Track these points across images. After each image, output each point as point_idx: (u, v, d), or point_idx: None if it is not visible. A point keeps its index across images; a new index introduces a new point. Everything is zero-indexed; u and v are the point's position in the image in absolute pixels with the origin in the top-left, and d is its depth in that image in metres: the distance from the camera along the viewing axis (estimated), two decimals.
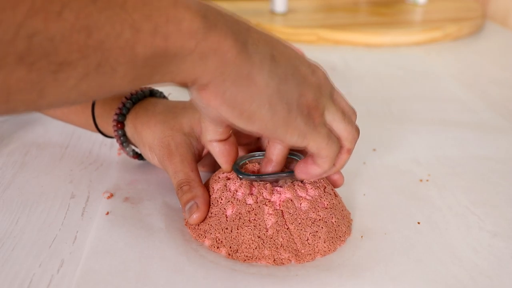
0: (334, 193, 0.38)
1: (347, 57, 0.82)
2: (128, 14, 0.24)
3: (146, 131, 0.41)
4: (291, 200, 0.36)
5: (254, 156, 0.39)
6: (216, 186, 0.37)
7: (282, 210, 0.35)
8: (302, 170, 0.35)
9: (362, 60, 0.81)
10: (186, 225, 0.38)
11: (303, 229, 0.35)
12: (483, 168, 0.48)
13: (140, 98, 0.43)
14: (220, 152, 0.36)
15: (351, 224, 0.39)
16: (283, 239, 0.34)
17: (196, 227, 0.37)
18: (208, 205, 0.37)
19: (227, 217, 0.35)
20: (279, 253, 0.34)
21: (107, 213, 0.39)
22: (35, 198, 0.41)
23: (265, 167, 0.37)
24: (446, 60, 0.82)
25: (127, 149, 0.44)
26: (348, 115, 0.35)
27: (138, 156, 0.45)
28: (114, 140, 0.51)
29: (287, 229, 0.35)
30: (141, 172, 0.45)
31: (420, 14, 1.04)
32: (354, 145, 0.35)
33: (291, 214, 0.35)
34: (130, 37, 0.24)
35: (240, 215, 0.35)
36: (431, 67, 0.78)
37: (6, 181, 0.44)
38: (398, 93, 0.67)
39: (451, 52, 0.87)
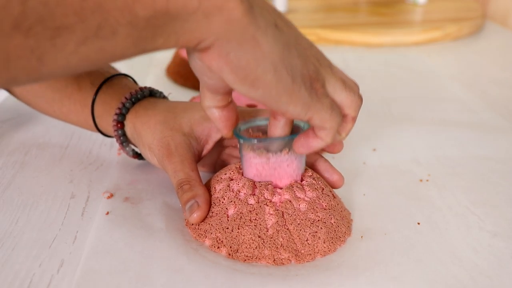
0: (332, 194, 0.38)
1: (347, 57, 0.82)
2: None
3: (145, 131, 0.41)
4: (290, 201, 0.36)
5: (255, 122, 0.38)
6: (219, 187, 0.37)
7: (282, 211, 0.35)
8: (303, 144, 0.34)
9: (362, 60, 0.81)
10: (186, 225, 0.38)
11: (303, 230, 0.35)
12: (483, 168, 0.48)
13: (140, 98, 0.43)
14: (219, 117, 0.35)
15: (351, 224, 0.39)
16: (283, 239, 0.34)
17: (197, 227, 0.37)
18: (209, 204, 0.37)
19: (228, 217, 0.35)
20: (279, 253, 0.34)
21: (107, 213, 0.39)
22: (35, 198, 0.41)
23: None
24: (446, 60, 0.82)
25: (127, 148, 0.44)
26: (349, 84, 0.34)
27: (138, 156, 0.45)
28: (114, 140, 0.51)
29: (287, 229, 0.35)
30: (141, 172, 0.45)
31: (420, 14, 1.04)
32: (358, 112, 0.34)
33: (290, 215, 0.35)
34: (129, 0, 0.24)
35: (241, 214, 0.35)
36: (431, 67, 0.78)
37: (6, 181, 0.44)
38: (398, 93, 0.67)
39: (451, 52, 0.87)
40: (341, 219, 0.37)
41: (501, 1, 1.07)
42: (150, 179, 0.44)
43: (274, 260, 0.34)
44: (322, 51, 0.33)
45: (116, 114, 0.42)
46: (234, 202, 0.36)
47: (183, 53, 0.68)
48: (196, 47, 0.28)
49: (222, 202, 0.36)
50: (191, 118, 0.40)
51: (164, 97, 0.45)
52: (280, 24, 0.30)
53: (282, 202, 0.36)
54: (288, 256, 0.34)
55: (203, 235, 0.36)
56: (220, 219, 0.36)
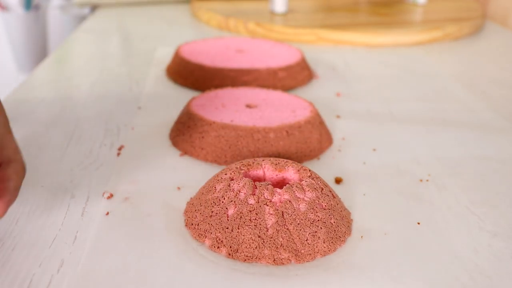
0: (332, 194, 0.38)
1: (347, 57, 0.82)
2: None
3: None
4: (290, 201, 0.36)
5: None
6: (219, 186, 0.37)
7: (282, 211, 0.35)
8: None
9: (362, 60, 0.81)
10: (186, 225, 0.38)
11: (302, 230, 0.35)
12: (483, 168, 0.48)
13: None
14: None
15: (351, 224, 0.39)
16: (283, 239, 0.34)
17: (196, 226, 0.37)
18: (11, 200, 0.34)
19: (228, 217, 0.36)
20: (279, 253, 0.34)
21: (107, 214, 0.39)
22: (35, 198, 0.41)
23: None
24: (446, 60, 0.82)
25: None
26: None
27: None
28: (114, 140, 0.51)
29: (287, 229, 0.35)
30: (141, 172, 0.45)
31: (420, 14, 1.04)
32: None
33: (290, 215, 0.35)
34: None
35: (241, 214, 0.35)
36: (431, 67, 0.78)
37: None
38: (398, 93, 0.67)
39: (451, 52, 0.87)
40: (341, 219, 0.37)
41: (501, 1, 1.07)
42: (150, 179, 0.44)
43: (274, 260, 0.34)
44: None
45: None
46: (234, 202, 0.36)
47: (183, 53, 0.68)
48: None
49: (222, 202, 0.36)
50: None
51: None
52: None
53: (282, 202, 0.36)
54: (288, 256, 0.34)
55: (203, 235, 0.36)
56: (220, 219, 0.36)
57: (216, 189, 0.37)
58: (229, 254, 0.35)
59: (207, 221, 0.36)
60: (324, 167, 0.47)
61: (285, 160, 0.40)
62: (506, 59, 0.84)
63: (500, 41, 0.95)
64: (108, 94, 0.63)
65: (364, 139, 0.53)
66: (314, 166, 0.47)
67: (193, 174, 0.45)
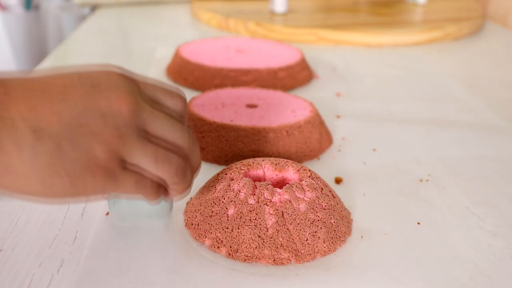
0: (332, 194, 0.38)
1: (347, 57, 0.82)
2: None
3: None
4: (290, 201, 0.36)
5: None
6: (219, 186, 0.37)
7: (282, 211, 0.35)
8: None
9: (362, 60, 0.80)
10: (186, 225, 0.38)
11: (302, 230, 0.35)
12: (483, 168, 0.48)
13: None
14: None
15: (351, 224, 0.39)
16: (283, 239, 0.34)
17: (196, 226, 0.37)
18: None
19: (228, 217, 0.36)
20: (279, 253, 0.34)
21: (107, 213, 0.39)
22: None
23: None
24: (446, 60, 0.82)
25: None
26: (162, 154, 0.30)
27: None
28: None
29: (287, 229, 0.35)
30: None
31: (420, 14, 1.04)
32: (183, 176, 0.31)
33: (290, 215, 0.35)
34: None
35: (241, 214, 0.35)
36: (431, 67, 0.78)
37: None
38: (398, 93, 0.67)
39: (451, 52, 0.86)
40: (341, 219, 0.37)
41: (501, 1, 1.07)
42: None
43: (274, 260, 0.34)
44: (134, 105, 0.29)
45: None
46: (234, 202, 0.36)
47: (183, 53, 0.68)
48: None
49: (222, 202, 0.36)
50: None
51: None
52: (42, 125, 0.26)
53: (282, 202, 0.36)
54: (288, 256, 0.34)
55: (203, 235, 0.36)
56: (220, 218, 0.36)
57: (216, 189, 0.37)
58: (229, 254, 0.35)
59: (207, 221, 0.36)
60: (324, 167, 0.47)
61: (285, 160, 0.40)
62: (506, 59, 0.84)
63: (500, 41, 0.95)
64: None
65: (364, 139, 0.53)
66: (314, 166, 0.47)
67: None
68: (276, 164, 0.40)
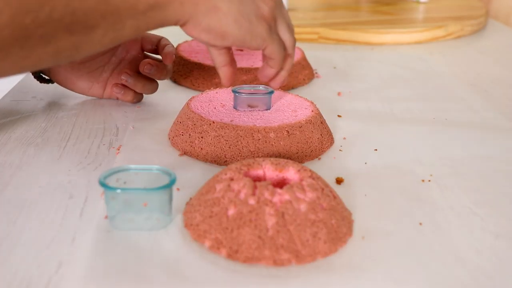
0: (333, 194, 0.38)
1: (348, 56, 0.81)
2: None
3: None
4: (290, 202, 0.35)
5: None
6: (219, 186, 0.37)
7: (282, 211, 0.35)
8: (261, 73, 0.49)
9: (363, 59, 0.80)
10: (185, 226, 0.37)
11: (303, 230, 0.35)
12: (486, 168, 0.47)
13: None
14: (227, 75, 0.48)
15: (352, 225, 0.38)
16: (283, 240, 0.34)
17: (196, 227, 0.36)
18: None
19: (228, 217, 0.35)
20: (279, 254, 0.34)
21: (106, 217, 0.38)
22: (33, 198, 0.41)
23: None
24: (449, 59, 0.82)
25: (36, 73, 0.56)
26: (291, 28, 0.46)
27: (42, 79, 0.57)
28: (113, 139, 0.51)
29: (287, 230, 0.34)
30: None
31: (422, 13, 1.03)
32: (294, 51, 0.48)
33: (290, 215, 0.35)
34: (134, 0, 0.36)
35: (241, 215, 0.35)
36: (433, 66, 0.78)
37: (4, 181, 0.43)
38: (399, 92, 0.66)
39: (453, 51, 0.86)
40: (342, 219, 0.37)
41: None
42: None
43: (275, 261, 0.34)
44: None
45: None
46: (234, 202, 0.35)
47: (183, 52, 0.68)
48: (176, 24, 0.40)
49: (222, 202, 0.36)
50: None
51: None
52: None
53: (282, 203, 0.35)
54: (289, 257, 0.34)
55: (203, 236, 0.36)
56: (220, 219, 0.35)
57: (216, 190, 0.37)
58: (229, 255, 0.34)
59: (206, 221, 0.36)
60: (325, 167, 0.47)
61: (286, 160, 0.40)
62: (509, 58, 0.84)
63: (503, 40, 0.95)
64: None
65: (365, 139, 0.52)
66: (315, 166, 0.47)
67: (193, 174, 0.45)
68: (277, 164, 0.39)
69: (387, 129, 0.55)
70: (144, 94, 0.59)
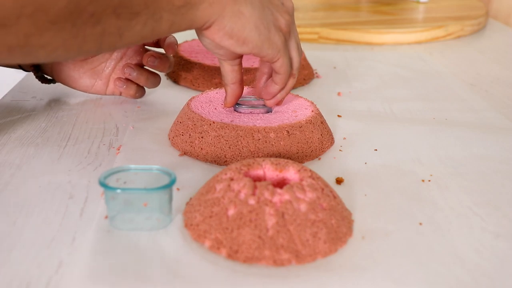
0: (333, 194, 0.38)
1: (348, 56, 0.81)
2: None
3: None
4: (290, 202, 0.35)
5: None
6: (219, 186, 0.37)
7: (282, 211, 0.35)
8: (265, 92, 0.48)
9: (363, 59, 0.80)
10: (186, 226, 0.37)
11: (303, 230, 0.35)
12: (486, 168, 0.47)
13: None
14: (234, 94, 0.49)
15: (352, 225, 0.38)
16: (283, 240, 0.34)
17: (196, 227, 0.36)
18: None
19: (228, 217, 0.35)
20: (279, 254, 0.34)
21: (106, 217, 0.38)
22: (32, 198, 0.41)
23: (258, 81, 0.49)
24: (449, 59, 0.82)
25: (38, 73, 0.57)
26: (300, 49, 0.47)
27: (43, 79, 0.58)
28: (113, 139, 0.51)
29: (287, 230, 0.34)
30: None
31: (422, 13, 1.03)
32: (297, 73, 0.48)
33: (290, 215, 0.35)
34: None
35: (241, 215, 0.35)
36: (433, 66, 0.78)
37: (4, 181, 0.43)
38: (399, 92, 0.66)
39: (453, 50, 0.86)
40: (342, 219, 0.37)
41: None
42: None
43: (275, 261, 0.34)
44: (293, 7, 0.46)
45: None
46: (234, 202, 0.35)
47: (183, 52, 0.68)
48: (202, 26, 0.41)
49: (222, 202, 0.36)
50: None
51: None
52: None
53: (282, 203, 0.35)
54: (289, 257, 0.34)
55: (203, 236, 0.36)
56: (220, 219, 0.35)
57: (216, 190, 0.37)
58: (229, 255, 0.34)
59: (206, 221, 0.36)
60: (325, 167, 0.47)
61: (286, 160, 0.40)
62: (509, 58, 0.84)
63: (503, 40, 0.95)
64: None
65: (365, 139, 0.52)
66: (315, 166, 0.47)
67: (193, 174, 0.45)
68: (277, 164, 0.39)
69: (387, 129, 0.55)
70: (145, 92, 0.60)
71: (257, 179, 0.39)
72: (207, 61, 0.65)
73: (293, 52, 0.46)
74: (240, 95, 0.49)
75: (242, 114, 0.49)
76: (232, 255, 0.34)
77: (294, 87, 0.65)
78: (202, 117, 0.48)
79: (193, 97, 0.52)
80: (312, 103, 0.52)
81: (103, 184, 0.36)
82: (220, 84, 0.62)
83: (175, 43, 0.56)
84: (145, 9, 0.36)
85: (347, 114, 0.58)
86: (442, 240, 0.37)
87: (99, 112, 0.58)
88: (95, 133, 0.52)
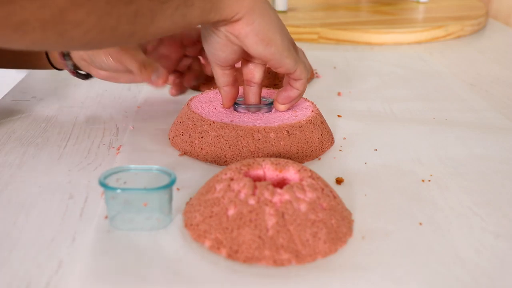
0: (333, 194, 0.38)
1: (348, 56, 0.81)
2: None
3: None
4: (290, 202, 0.35)
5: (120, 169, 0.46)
6: (219, 186, 0.37)
7: (282, 211, 0.35)
8: (284, 96, 0.48)
9: (363, 59, 0.80)
10: (186, 226, 0.37)
11: (303, 230, 0.35)
12: (486, 168, 0.47)
13: None
14: (227, 95, 0.48)
15: (352, 225, 0.38)
16: (283, 240, 0.34)
17: (196, 227, 0.36)
18: (167, 71, 0.50)
19: (228, 217, 0.35)
20: (279, 254, 0.34)
21: (106, 217, 0.38)
22: (33, 198, 0.41)
23: (247, 87, 0.49)
24: (449, 59, 0.82)
25: (68, 62, 0.53)
26: (302, 57, 0.49)
27: (77, 74, 0.54)
28: (113, 139, 0.51)
29: (287, 230, 0.34)
30: None
31: (422, 13, 1.03)
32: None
33: (290, 215, 0.35)
34: None
35: (241, 215, 0.35)
36: (433, 66, 0.78)
37: (4, 181, 0.43)
38: (399, 92, 0.66)
39: (453, 50, 0.86)
40: (342, 219, 0.37)
41: None
42: None
43: (275, 261, 0.34)
44: None
45: None
46: (234, 202, 0.35)
47: None
48: (231, 19, 0.41)
49: (222, 202, 0.36)
50: None
51: None
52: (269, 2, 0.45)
53: (282, 203, 0.35)
54: (289, 257, 0.34)
55: (203, 236, 0.36)
56: (220, 219, 0.35)
57: (216, 189, 0.37)
58: (229, 255, 0.34)
59: (206, 221, 0.36)
60: (325, 167, 0.47)
61: (286, 160, 0.40)
62: (509, 58, 0.84)
63: (503, 40, 0.95)
64: (106, 93, 0.63)
65: (365, 139, 0.52)
66: (315, 166, 0.47)
67: (193, 174, 0.45)
68: (277, 164, 0.39)
69: (387, 129, 0.55)
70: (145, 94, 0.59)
71: (257, 179, 0.39)
72: (207, 61, 0.65)
73: (303, 58, 0.48)
74: (235, 96, 0.49)
75: (242, 114, 0.49)
76: (232, 255, 0.34)
77: None
78: (202, 117, 0.48)
79: (193, 97, 0.52)
80: (312, 103, 0.52)
81: (103, 184, 0.36)
82: None
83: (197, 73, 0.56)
84: None
85: (347, 114, 0.58)
86: (442, 240, 0.37)
87: (99, 112, 0.58)
88: (95, 133, 0.52)
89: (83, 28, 0.32)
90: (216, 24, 0.42)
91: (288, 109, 0.49)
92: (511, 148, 0.51)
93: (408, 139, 0.53)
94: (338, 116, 0.58)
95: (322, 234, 0.35)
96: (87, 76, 0.56)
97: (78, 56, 0.52)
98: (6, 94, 0.62)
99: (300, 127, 0.47)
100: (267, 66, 0.47)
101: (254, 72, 0.48)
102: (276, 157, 0.46)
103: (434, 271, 0.34)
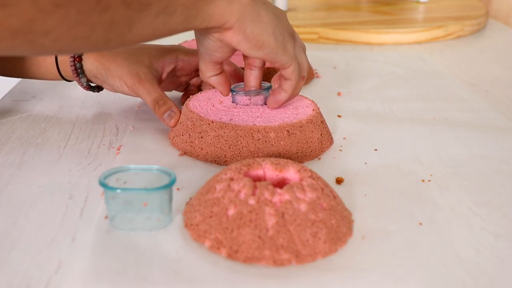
0: (333, 194, 0.38)
1: (348, 56, 0.81)
2: None
3: (114, 66, 0.51)
4: (290, 202, 0.35)
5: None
6: (219, 186, 0.37)
7: (282, 211, 0.35)
8: (272, 100, 0.48)
9: (363, 59, 0.80)
10: (186, 226, 0.37)
11: (303, 230, 0.35)
12: (486, 168, 0.47)
13: None
14: (219, 82, 0.47)
15: (352, 225, 0.38)
16: (283, 240, 0.34)
17: (196, 227, 0.36)
18: (180, 112, 0.50)
19: (228, 217, 0.35)
20: (279, 254, 0.34)
21: (106, 217, 0.38)
22: (33, 198, 0.41)
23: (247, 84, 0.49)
24: (449, 59, 0.82)
25: (82, 80, 0.53)
26: (305, 51, 0.47)
27: (90, 87, 0.55)
28: (113, 139, 0.51)
29: (287, 230, 0.34)
30: None
31: (422, 13, 1.03)
32: (306, 74, 0.47)
33: (290, 215, 0.35)
34: None
35: (241, 215, 0.35)
36: (433, 66, 0.78)
37: (4, 181, 0.43)
38: (399, 92, 0.66)
39: (453, 50, 0.86)
40: (342, 219, 0.37)
41: None
42: None
43: (275, 261, 0.34)
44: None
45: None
46: (234, 202, 0.35)
47: None
48: (222, 26, 0.40)
49: (222, 202, 0.36)
50: (148, 55, 0.52)
51: None
52: (265, 1, 0.43)
53: (282, 203, 0.35)
54: (289, 257, 0.34)
55: (203, 236, 0.36)
56: (220, 219, 0.35)
57: (216, 189, 0.37)
58: (229, 255, 0.34)
59: (206, 221, 0.36)
60: (325, 167, 0.47)
61: (286, 160, 0.40)
62: (509, 58, 0.84)
63: (503, 40, 0.95)
64: (106, 93, 0.63)
65: (365, 139, 0.52)
66: (315, 166, 0.47)
67: (193, 174, 0.45)
68: (277, 164, 0.39)
69: (387, 129, 0.55)
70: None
71: (257, 179, 0.39)
72: None
73: (300, 55, 0.46)
74: (227, 80, 0.48)
75: (241, 111, 0.49)
76: (232, 255, 0.34)
77: None
78: (201, 116, 0.48)
79: (192, 97, 0.52)
80: (313, 101, 0.52)
81: (103, 184, 0.36)
82: None
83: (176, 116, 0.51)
84: (156, 1, 0.35)
85: (347, 114, 0.58)
86: (442, 240, 0.37)
87: (99, 112, 0.58)
88: (95, 133, 0.52)
89: (53, 37, 0.31)
90: (207, 30, 0.41)
91: (278, 106, 0.49)
92: (511, 148, 0.51)
93: (408, 139, 0.53)
94: (338, 116, 0.58)
95: (322, 234, 0.35)
96: (100, 89, 0.56)
97: (91, 74, 0.52)
98: (6, 94, 0.62)
99: (301, 127, 0.47)
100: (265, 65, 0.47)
101: (248, 74, 0.48)
102: (276, 157, 0.46)
103: (434, 271, 0.34)
